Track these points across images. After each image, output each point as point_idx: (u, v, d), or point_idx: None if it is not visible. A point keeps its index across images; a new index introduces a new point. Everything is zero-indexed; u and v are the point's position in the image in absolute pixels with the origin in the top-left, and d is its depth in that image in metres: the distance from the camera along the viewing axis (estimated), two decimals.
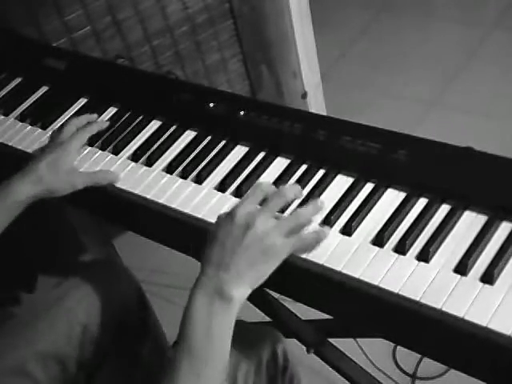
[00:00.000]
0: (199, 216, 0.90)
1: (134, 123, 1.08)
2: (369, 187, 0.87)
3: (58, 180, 0.95)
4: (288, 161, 0.94)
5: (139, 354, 1.08)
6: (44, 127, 1.11)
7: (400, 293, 0.74)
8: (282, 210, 0.85)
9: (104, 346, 1.00)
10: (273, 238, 0.75)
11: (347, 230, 0.82)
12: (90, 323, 0.98)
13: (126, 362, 1.06)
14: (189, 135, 1.03)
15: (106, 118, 1.10)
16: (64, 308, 0.98)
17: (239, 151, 0.98)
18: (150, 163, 1.00)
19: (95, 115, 1.08)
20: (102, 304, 1.00)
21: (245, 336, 0.74)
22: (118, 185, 0.97)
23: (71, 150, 0.99)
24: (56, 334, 0.96)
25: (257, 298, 0.97)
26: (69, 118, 1.11)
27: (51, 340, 0.96)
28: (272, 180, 0.92)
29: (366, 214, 0.84)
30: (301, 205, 0.87)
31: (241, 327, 0.77)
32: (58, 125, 1.11)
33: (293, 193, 0.81)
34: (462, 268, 0.74)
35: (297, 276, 0.82)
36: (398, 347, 1.56)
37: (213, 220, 0.88)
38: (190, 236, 0.93)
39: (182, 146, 1.02)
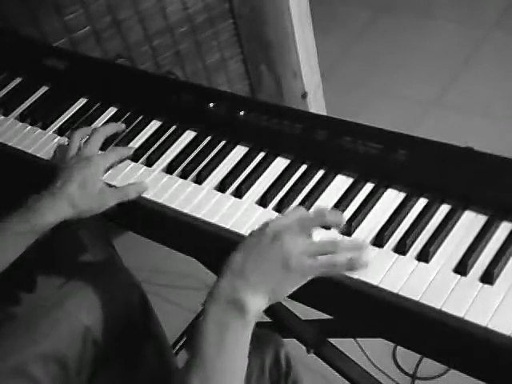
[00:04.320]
0: (199, 216, 0.90)
1: (134, 123, 1.08)
2: (369, 187, 0.87)
3: (90, 202, 0.92)
4: (288, 161, 0.94)
5: (141, 355, 1.08)
6: (44, 127, 1.11)
7: (400, 293, 0.74)
8: None
9: (106, 348, 1.00)
10: (299, 256, 0.72)
11: (347, 230, 0.82)
12: (91, 325, 0.98)
13: (127, 363, 1.06)
14: (189, 135, 1.03)
15: (106, 118, 1.10)
16: (66, 310, 0.98)
17: (239, 151, 0.98)
18: (150, 163, 1.00)
19: (123, 125, 1.04)
20: (104, 306, 1.00)
21: None
22: (118, 185, 0.97)
23: (100, 169, 0.94)
24: (58, 336, 0.96)
25: None
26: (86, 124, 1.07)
27: (53, 341, 0.95)
28: (272, 180, 0.92)
29: (366, 214, 0.84)
30: (301, 204, 0.87)
31: None
32: (58, 125, 1.11)
33: (333, 218, 0.77)
34: (462, 268, 0.74)
35: None
36: (398, 347, 1.56)
37: (212, 220, 0.89)
38: (190, 236, 0.93)
39: (182, 146, 1.02)
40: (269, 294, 0.72)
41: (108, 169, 0.98)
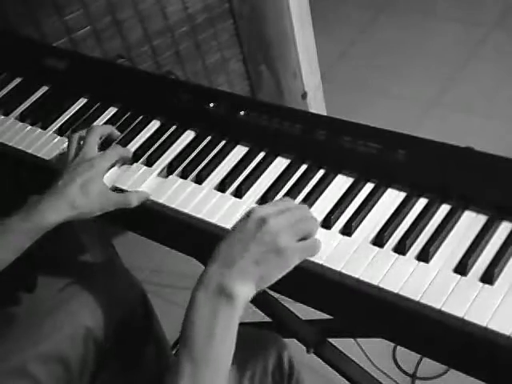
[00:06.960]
0: (199, 216, 0.90)
1: (134, 123, 1.08)
2: (369, 187, 0.87)
3: (90, 203, 0.92)
4: (288, 161, 0.94)
5: (142, 356, 1.08)
6: (44, 127, 1.11)
7: (400, 293, 0.74)
8: None
9: (107, 348, 1.00)
10: (286, 239, 0.74)
11: (347, 230, 0.82)
12: (93, 325, 0.98)
13: (128, 364, 1.06)
14: (189, 135, 1.03)
15: (106, 118, 1.10)
16: (68, 311, 0.98)
17: (239, 151, 0.98)
18: (150, 163, 1.00)
19: (118, 133, 1.04)
20: (104, 306, 1.00)
21: (250, 342, 0.72)
22: (118, 185, 0.97)
23: (101, 171, 0.94)
24: (60, 336, 0.96)
25: (257, 297, 0.97)
26: (87, 125, 1.04)
27: (55, 341, 0.95)
28: (272, 180, 0.92)
29: (366, 214, 0.84)
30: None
31: (246, 333, 0.75)
32: (58, 125, 1.11)
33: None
34: (461, 268, 0.74)
35: (296, 276, 0.82)
36: (398, 347, 1.56)
37: (212, 220, 0.89)
38: (190, 236, 0.93)
39: (182, 146, 1.02)
40: (256, 280, 0.73)
41: (108, 168, 0.98)
